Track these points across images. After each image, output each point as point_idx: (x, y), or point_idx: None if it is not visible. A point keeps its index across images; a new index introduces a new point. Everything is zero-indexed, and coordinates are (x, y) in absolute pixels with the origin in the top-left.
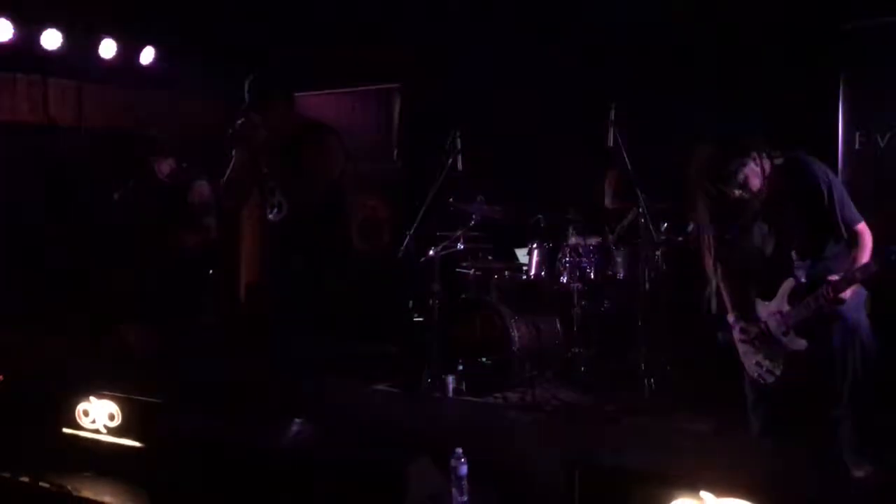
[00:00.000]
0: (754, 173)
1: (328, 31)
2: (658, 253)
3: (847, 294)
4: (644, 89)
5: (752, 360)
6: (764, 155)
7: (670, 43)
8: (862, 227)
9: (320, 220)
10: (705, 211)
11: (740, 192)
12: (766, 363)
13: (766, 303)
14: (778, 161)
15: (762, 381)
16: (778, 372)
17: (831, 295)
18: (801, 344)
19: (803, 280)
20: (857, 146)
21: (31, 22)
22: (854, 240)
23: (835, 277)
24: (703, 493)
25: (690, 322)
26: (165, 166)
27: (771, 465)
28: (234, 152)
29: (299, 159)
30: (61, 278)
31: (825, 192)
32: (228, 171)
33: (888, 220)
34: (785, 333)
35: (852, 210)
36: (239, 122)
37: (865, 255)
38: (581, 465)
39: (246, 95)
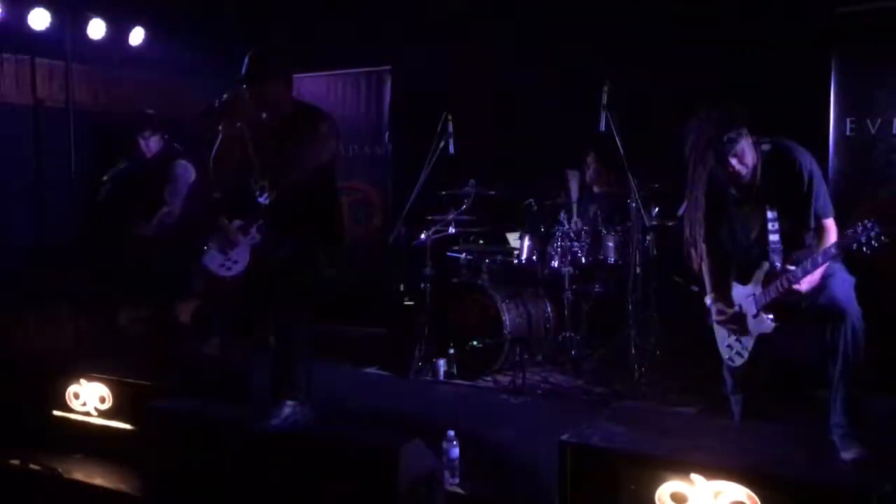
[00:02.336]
0: (749, 147)
1: (319, 12)
2: (648, 237)
3: (803, 286)
4: (636, 73)
5: (724, 343)
6: (754, 138)
7: (662, 26)
8: (829, 222)
9: (311, 204)
10: (700, 184)
11: (737, 163)
12: (737, 346)
13: (743, 286)
14: (765, 146)
15: (731, 363)
16: (746, 355)
17: (786, 286)
18: (769, 325)
19: (777, 265)
20: (848, 132)
21: (19, 1)
22: (820, 232)
23: (791, 268)
24: (693, 476)
25: (680, 306)
26: (154, 143)
27: (760, 447)
28: (220, 128)
29: (292, 144)
30: (52, 259)
31: (805, 179)
32: (215, 149)
33: (879, 206)
34: (755, 315)
35: (827, 203)
36: (225, 95)
37: (824, 250)
38: (572, 448)
39: (242, 71)
